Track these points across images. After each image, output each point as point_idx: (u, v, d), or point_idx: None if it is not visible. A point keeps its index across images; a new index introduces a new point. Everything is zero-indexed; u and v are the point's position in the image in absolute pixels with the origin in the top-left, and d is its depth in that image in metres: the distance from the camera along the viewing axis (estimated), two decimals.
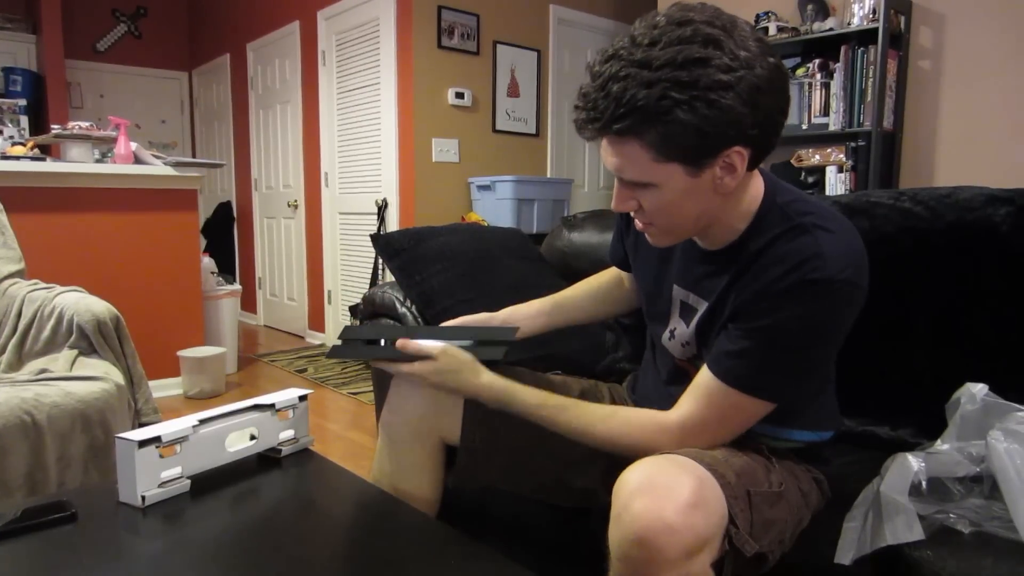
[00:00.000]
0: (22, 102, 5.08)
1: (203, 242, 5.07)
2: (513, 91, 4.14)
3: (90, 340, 1.84)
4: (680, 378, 1.07)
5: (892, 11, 2.85)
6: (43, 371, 1.76)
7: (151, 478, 1.02)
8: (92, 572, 0.88)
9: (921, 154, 3.02)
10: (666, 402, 1.01)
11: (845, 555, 0.92)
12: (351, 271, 4.36)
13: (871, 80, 2.89)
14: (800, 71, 3.12)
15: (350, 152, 4.30)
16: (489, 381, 1.09)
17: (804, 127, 3.11)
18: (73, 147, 3.13)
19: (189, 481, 1.07)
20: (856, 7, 2.92)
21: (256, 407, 1.18)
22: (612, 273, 1.35)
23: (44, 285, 2.06)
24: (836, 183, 3.01)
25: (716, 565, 0.84)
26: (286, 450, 1.22)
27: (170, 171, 3.20)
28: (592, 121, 0.87)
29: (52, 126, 3.34)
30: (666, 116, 0.82)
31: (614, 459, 1.01)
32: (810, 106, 3.09)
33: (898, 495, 0.90)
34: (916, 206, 1.30)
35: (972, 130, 2.86)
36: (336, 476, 1.20)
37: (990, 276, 1.23)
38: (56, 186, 2.96)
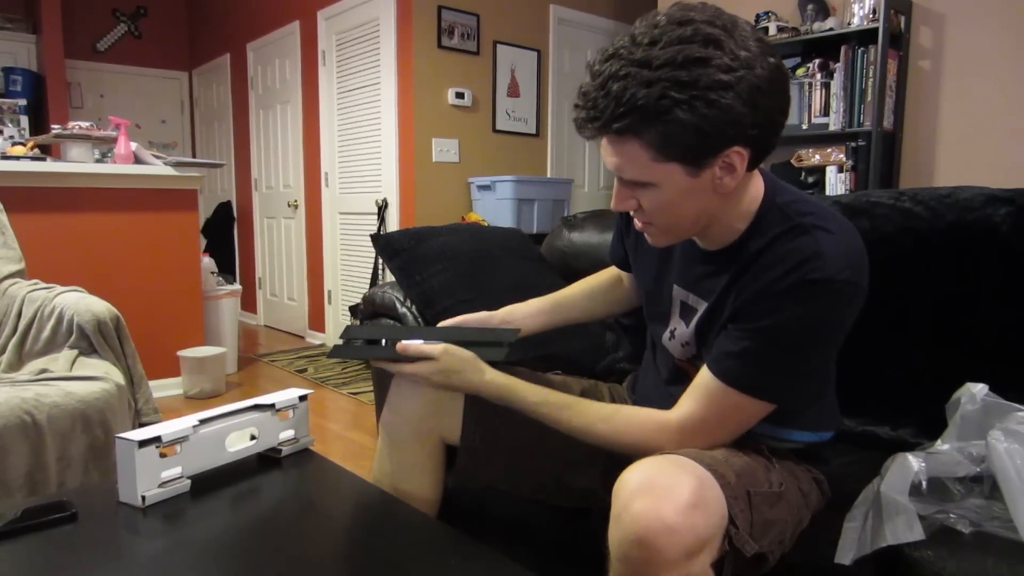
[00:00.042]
0: (22, 102, 5.09)
1: (203, 242, 5.08)
2: (513, 91, 4.15)
3: (90, 340, 1.84)
4: (680, 378, 1.07)
5: (892, 11, 2.85)
6: (43, 371, 1.76)
7: (151, 478, 1.02)
8: (92, 572, 0.88)
9: (921, 154, 3.02)
10: (666, 402, 1.01)
11: (845, 555, 0.92)
12: (351, 271, 4.36)
13: (871, 80, 2.89)
14: (800, 71, 3.12)
15: (350, 152, 4.30)
16: (492, 378, 1.09)
17: (804, 127, 3.11)
18: (73, 147, 3.13)
19: (189, 481, 1.07)
20: (856, 7, 2.92)
21: (256, 407, 1.18)
22: (610, 272, 1.35)
23: (44, 285, 2.06)
24: (836, 183, 3.01)
25: (716, 565, 0.84)
26: (286, 450, 1.22)
27: (170, 171, 3.20)
28: (592, 120, 0.87)
29: (52, 126, 3.34)
30: (666, 115, 0.82)
31: (614, 459, 1.01)
32: (810, 106, 3.09)
33: (898, 495, 0.90)
34: (916, 206, 1.30)
35: (972, 130, 2.86)
36: (336, 476, 1.20)
37: (990, 276, 1.23)
38: (56, 186, 2.96)
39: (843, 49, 2.96)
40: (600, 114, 0.86)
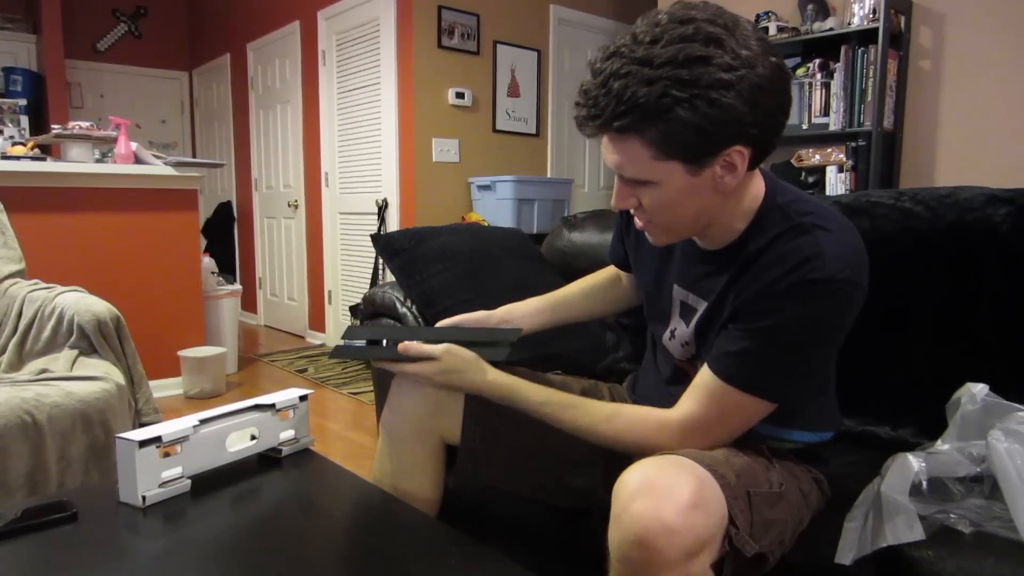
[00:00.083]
0: (22, 102, 5.09)
1: (203, 242, 5.07)
2: (513, 91, 4.15)
3: (90, 340, 1.84)
4: (680, 378, 1.07)
5: (892, 11, 2.85)
6: (43, 371, 1.76)
7: (151, 478, 1.02)
8: (92, 572, 0.88)
9: (921, 154, 3.02)
10: (667, 402, 1.01)
11: (845, 555, 0.92)
12: (351, 271, 4.36)
13: (871, 80, 2.89)
14: (800, 71, 3.12)
15: (350, 152, 4.30)
16: (494, 378, 1.09)
17: (804, 127, 3.11)
18: (73, 147, 3.13)
19: (189, 481, 1.07)
20: (856, 7, 2.92)
21: (256, 407, 1.18)
22: (609, 272, 1.35)
23: (44, 285, 2.06)
24: (836, 183, 3.01)
25: (716, 566, 0.84)
26: (286, 450, 1.22)
27: (170, 171, 3.20)
28: (593, 118, 0.87)
29: (52, 126, 3.34)
30: (667, 114, 0.82)
31: (614, 459, 1.01)
32: (810, 106, 3.09)
33: (898, 495, 0.90)
34: (916, 206, 1.30)
35: (972, 130, 2.86)
36: (336, 476, 1.19)
37: (990, 276, 1.23)
38: (56, 186, 2.96)
39: (843, 49, 2.95)
40: (601, 112, 0.86)
